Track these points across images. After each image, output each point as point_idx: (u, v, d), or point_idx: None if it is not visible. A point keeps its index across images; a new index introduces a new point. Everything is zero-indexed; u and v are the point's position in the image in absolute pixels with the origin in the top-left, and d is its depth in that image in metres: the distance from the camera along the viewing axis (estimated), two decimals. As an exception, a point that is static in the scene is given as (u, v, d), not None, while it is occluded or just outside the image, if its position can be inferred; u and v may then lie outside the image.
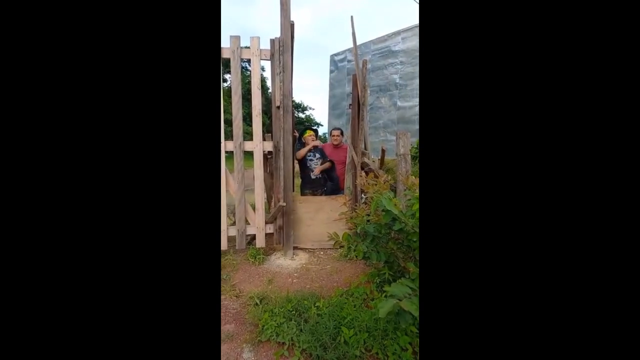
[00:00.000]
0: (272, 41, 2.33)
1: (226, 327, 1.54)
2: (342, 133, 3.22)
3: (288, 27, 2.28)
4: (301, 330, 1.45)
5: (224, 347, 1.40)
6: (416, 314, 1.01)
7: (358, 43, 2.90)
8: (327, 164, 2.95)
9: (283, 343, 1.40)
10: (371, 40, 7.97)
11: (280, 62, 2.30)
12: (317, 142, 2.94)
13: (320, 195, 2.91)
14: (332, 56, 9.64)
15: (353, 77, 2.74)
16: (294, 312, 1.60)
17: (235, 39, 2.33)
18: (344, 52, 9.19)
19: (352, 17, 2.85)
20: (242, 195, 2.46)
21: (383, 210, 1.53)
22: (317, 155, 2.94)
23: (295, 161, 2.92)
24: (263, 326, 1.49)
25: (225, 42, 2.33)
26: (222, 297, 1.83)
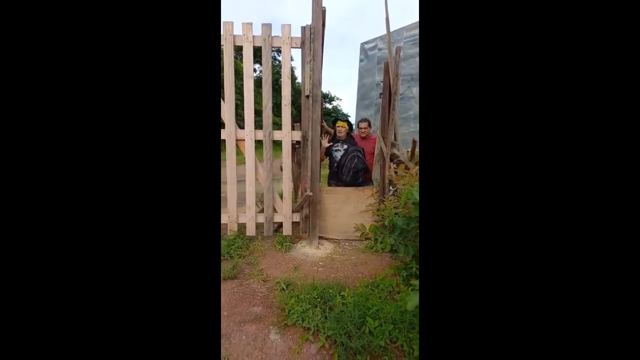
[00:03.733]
0: (303, 28, 2.31)
1: (254, 309, 1.60)
2: (369, 124, 3.15)
3: (319, 14, 2.24)
4: (326, 317, 1.47)
5: (253, 328, 1.46)
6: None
7: (390, 30, 2.79)
8: (329, 130, 2.89)
9: (308, 328, 1.43)
10: (403, 27, 7.62)
11: (310, 50, 2.28)
12: (325, 143, 2.88)
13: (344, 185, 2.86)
14: (362, 44, 9.38)
15: (385, 64, 2.65)
16: (319, 299, 1.62)
17: (267, 27, 2.34)
18: (374, 39, 8.90)
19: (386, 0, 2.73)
20: (271, 183, 2.51)
21: (413, 203, 1.49)
22: (345, 146, 2.91)
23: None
24: (289, 311, 1.53)
25: (257, 31, 2.35)
26: (251, 280, 1.90)
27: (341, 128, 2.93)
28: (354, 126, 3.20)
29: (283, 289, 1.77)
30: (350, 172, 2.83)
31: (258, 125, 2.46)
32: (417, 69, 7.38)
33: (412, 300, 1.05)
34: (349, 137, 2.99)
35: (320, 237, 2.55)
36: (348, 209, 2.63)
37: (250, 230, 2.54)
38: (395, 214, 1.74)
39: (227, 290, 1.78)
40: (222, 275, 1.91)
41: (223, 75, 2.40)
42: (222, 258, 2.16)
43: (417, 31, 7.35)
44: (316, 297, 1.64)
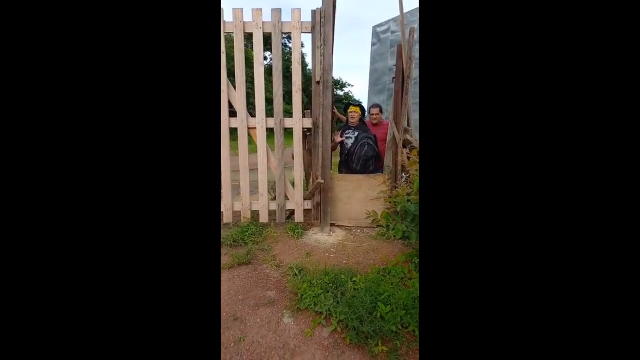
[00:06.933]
0: (314, 12, 2.25)
1: (268, 294, 1.65)
2: (381, 110, 3.08)
3: (330, -4, 2.18)
4: (338, 302, 1.50)
5: (267, 311, 1.51)
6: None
7: (404, 10, 2.67)
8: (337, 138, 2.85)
9: (321, 313, 1.46)
10: (417, 8, 7.30)
11: (321, 35, 2.23)
12: (338, 138, 2.86)
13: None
14: (374, 27, 9.08)
15: (398, 47, 2.56)
16: (331, 284, 1.65)
17: (277, 12, 2.30)
18: (387, 22, 8.58)
19: (399, -20, 2.61)
20: (282, 171, 2.53)
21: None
22: (355, 134, 2.87)
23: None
24: (302, 295, 1.57)
25: (266, 17, 2.31)
26: (264, 266, 1.95)
27: (354, 113, 2.88)
28: (366, 112, 3.14)
29: (296, 274, 1.80)
30: (360, 160, 2.80)
31: (269, 113, 2.46)
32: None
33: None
34: (362, 124, 2.94)
35: (332, 225, 2.57)
36: (359, 197, 2.62)
37: (264, 218, 2.59)
38: (408, 200, 1.72)
39: (242, 275, 1.84)
40: (237, 260, 1.96)
41: (234, 64, 2.39)
42: (236, 244, 2.22)
43: (432, 11, 7.04)
44: (328, 282, 1.66)
